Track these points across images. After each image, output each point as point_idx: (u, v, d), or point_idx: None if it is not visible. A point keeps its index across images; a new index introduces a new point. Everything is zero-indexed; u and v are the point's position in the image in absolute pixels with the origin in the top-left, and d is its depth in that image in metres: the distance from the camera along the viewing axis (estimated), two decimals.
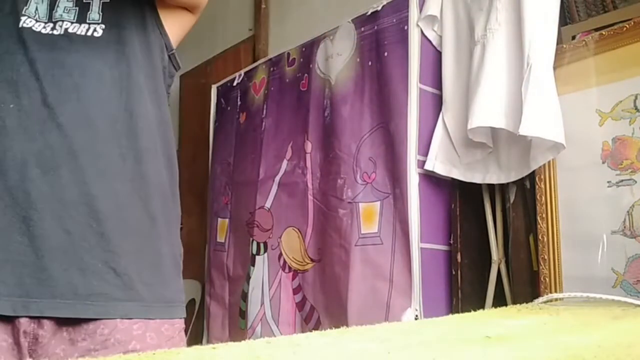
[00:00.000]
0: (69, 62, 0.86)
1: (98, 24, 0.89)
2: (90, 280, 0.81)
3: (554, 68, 1.33)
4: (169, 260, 0.90)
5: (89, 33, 0.88)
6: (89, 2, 0.89)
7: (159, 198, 0.90)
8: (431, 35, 1.65)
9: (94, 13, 0.89)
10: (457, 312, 1.47)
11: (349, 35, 1.86)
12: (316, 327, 1.83)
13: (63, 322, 0.81)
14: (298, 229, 1.95)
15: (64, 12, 0.88)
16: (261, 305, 2.05)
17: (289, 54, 2.16)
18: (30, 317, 0.80)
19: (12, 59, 0.85)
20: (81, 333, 0.81)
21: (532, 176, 1.39)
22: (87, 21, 0.88)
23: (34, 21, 0.88)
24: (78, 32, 0.87)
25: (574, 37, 1.45)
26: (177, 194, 0.96)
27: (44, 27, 0.88)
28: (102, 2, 0.89)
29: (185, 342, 0.91)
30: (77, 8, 0.89)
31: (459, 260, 1.55)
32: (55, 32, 0.88)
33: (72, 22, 0.88)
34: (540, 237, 1.34)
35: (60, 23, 0.88)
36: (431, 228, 1.59)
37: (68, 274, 0.80)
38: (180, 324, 0.89)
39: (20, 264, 0.79)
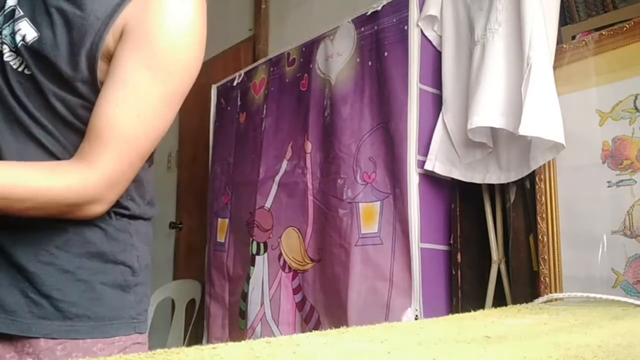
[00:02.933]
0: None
1: (25, 65, 0.80)
2: (17, 297, 0.79)
3: (554, 68, 1.33)
4: (108, 275, 0.84)
5: (20, 68, 0.80)
6: (21, 38, 0.79)
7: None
8: (431, 35, 1.65)
9: (25, 52, 0.78)
10: (457, 312, 1.47)
11: (349, 35, 1.86)
12: (316, 327, 1.83)
13: None
14: (298, 229, 1.95)
15: (9, 33, 0.80)
16: (261, 305, 2.05)
17: (289, 54, 2.16)
18: None
19: None
20: (10, 350, 0.79)
21: (532, 176, 1.40)
22: (20, 54, 0.80)
23: None
24: (11, 63, 0.80)
25: (574, 37, 1.45)
26: (136, 199, 0.89)
27: None
28: (30, 43, 0.78)
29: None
30: (14, 35, 0.80)
31: (459, 260, 1.55)
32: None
33: (10, 50, 0.80)
34: (540, 237, 1.34)
35: (4, 45, 0.81)
36: (431, 228, 1.59)
37: None
38: (124, 341, 0.84)
39: None
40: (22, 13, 0.81)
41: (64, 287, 0.81)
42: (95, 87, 0.79)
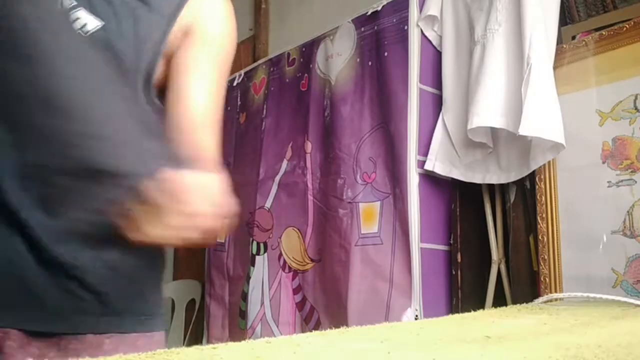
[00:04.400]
0: None
1: None
2: (62, 295, 0.78)
3: (554, 68, 1.33)
4: (146, 272, 0.86)
5: None
6: None
7: None
8: (431, 35, 1.65)
9: None
10: (457, 312, 1.47)
11: (349, 35, 1.86)
12: (316, 327, 1.83)
13: (33, 336, 0.77)
14: (298, 229, 1.95)
15: None
16: (261, 305, 2.05)
17: (289, 54, 2.16)
18: None
19: None
20: (53, 348, 0.78)
21: (532, 176, 1.40)
22: None
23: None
24: None
25: (574, 37, 1.45)
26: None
27: None
28: (92, 32, 0.79)
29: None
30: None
31: (459, 260, 1.55)
32: None
33: None
34: (540, 237, 1.34)
35: None
36: (431, 228, 1.59)
37: (38, 286, 0.77)
38: (159, 336, 0.86)
39: None
40: (75, 2, 0.79)
41: (109, 282, 0.81)
42: (149, 82, 0.81)
